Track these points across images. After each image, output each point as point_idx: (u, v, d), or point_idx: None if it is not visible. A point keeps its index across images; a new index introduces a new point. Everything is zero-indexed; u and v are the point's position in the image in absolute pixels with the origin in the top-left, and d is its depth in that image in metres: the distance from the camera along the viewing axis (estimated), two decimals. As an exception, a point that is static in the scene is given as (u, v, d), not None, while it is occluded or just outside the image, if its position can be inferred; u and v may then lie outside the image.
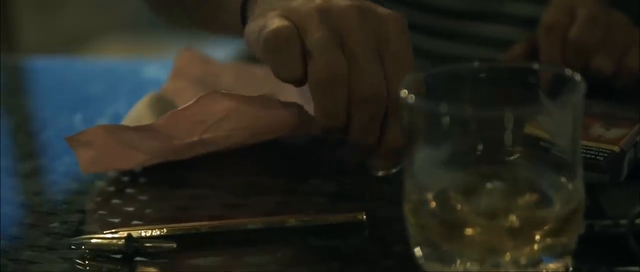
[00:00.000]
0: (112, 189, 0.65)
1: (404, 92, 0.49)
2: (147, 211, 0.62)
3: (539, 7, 0.81)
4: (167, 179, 0.65)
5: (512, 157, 0.50)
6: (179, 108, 0.62)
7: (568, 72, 0.50)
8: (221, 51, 0.98)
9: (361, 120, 0.57)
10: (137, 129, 0.63)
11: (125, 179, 0.66)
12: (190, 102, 0.61)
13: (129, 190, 0.65)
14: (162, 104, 0.68)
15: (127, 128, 0.63)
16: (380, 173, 0.61)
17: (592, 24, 0.74)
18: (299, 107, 0.63)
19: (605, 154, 0.61)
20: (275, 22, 0.56)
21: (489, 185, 0.51)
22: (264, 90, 0.65)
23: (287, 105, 0.63)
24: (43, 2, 2.54)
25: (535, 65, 0.52)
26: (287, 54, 0.56)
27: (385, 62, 0.57)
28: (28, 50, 2.41)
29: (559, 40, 0.74)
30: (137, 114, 0.67)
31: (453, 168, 0.50)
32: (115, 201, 0.64)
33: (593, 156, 0.61)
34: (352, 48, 0.56)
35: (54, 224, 0.61)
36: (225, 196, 0.63)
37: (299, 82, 0.57)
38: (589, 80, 0.50)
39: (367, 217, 0.58)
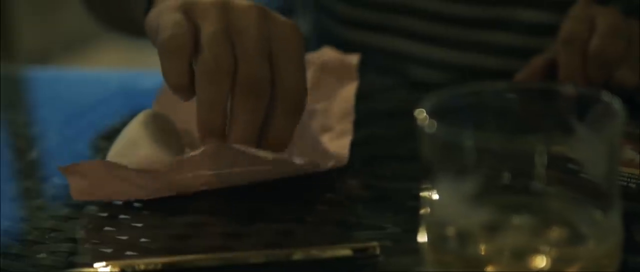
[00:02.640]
0: (104, 214, 0.61)
1: (422, 118, 0.44)
2: (142, 240, 0.57)
3: (549, 14, 0.79)
4: (164, 204, 0.61)
5: (541, 186, 0.45)
6: (184, 157, 0.59)
7: (605, 95, 0.45)
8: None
9: (243, 113, 0.58)
10: (138, 171, 0.59)
11: (119, 203, 0.61)
12: (196, 153, 0.58)
13: (122, 216, 0.60)
14: (158, 123, 0.64)
15: (125, 168, 0.59)
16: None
17: (614, 35, 0.70)
18: (313, 162, 0.61)
19: (638, 181, 0.56)
20: (170, 20, 0.58)
21: (515, 219, 0.46)
22: None
23: (293, 163, 0.60)
24: (41, 5, 2.51)
25: (566, 87, 0.47)
26: (177, 61, 0.58)
27: (277, 60, 0.58)
28: (26, 54, 2.38)
29: (579, 53, 0.70)
30: (132, 134, 0.63)
31: (476, 200, 0.46)
32: (107, 228, 0.59)
33: (624, 183, 0.56)
34: (244, 43, 0.58)
35: (42, 255, 0.56)
36: (227, 224, 0.59)
37: (186, 91, 0.58)
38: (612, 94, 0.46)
39: (380, 249, 0.54)
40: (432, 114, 0.45)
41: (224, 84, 0.57)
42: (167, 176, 0.59)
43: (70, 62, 2.51)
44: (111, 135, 0.70)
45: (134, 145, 0.62)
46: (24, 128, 0.80)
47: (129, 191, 0.60)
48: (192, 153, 0.58)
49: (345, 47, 0.76)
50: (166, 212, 0.60)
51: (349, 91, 0.70)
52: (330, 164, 0.62)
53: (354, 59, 0.73)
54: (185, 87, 0.59)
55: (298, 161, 0.59)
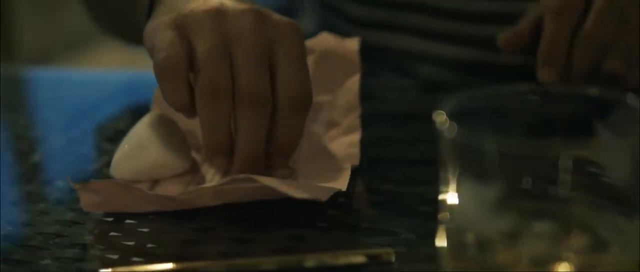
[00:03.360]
0: (110, 219, 0.59)
1: (441, 121, 0.43)
2: (149, 245, 0.56)
3: None
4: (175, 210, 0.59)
5: (563, 192, 0.44)
6: (204, 186, 0.58)
7: (629, 98, 0.44)
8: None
9: (247, 124, 0.57)
10: (156, 195, 0.58)
11: (125, 208, 0.60)
12: (215, 183, 0.57)
13: (128, 221, 0.59)
14: (164, 125, 0.62)
15: (142, 190, 0.58)
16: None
17: (610, 16, 0.64)
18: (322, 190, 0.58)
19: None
20: (164, 40, 0.57)
21: (537, 225, 0.45)
22: None
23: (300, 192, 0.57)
24: (42, 5, 2.50)
25: (590, 90, 0.46)
26: (175, 83, 0.57)
27: (278, 62, 0.57)
28: (27, 54, 2.36)
29: (567, 26, 0.64)
30: (140, 137, 0.61)
31: (497, 206, 0.44)
32: (113, 233, 0.57)
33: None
34: (241, 52, 0.56)
35: (46, 261, 0.55)
36: (236, 229, 0.57)
37: (188, 110, 0.58)
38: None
39: (395, 255, 0.52)
40: (451, 116, 0.43)
41: (224, 104, 0.56)
42: (186, 203, 0.58)
43: (71, 62, 2.50)
44: (115, 137, 0.69)
45: (142, 148, 0.60)
46: (25, 130, 0.78)
47: (141, 206, 0.59)
48: (211, 183, 0.58)
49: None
50: (173, 217, 0.59)
51: (353, 82, 0.68)
52: (332, 192, 0.58)
53: (354, 44, 0.71)
54: (185, 106, 0.58)
55: (304, 192, 0.57)
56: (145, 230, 0.58)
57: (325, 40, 0.71)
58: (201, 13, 0.58)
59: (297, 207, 0.58)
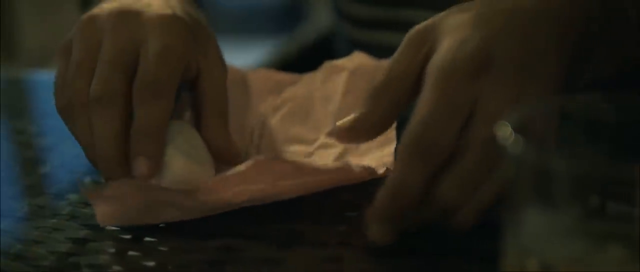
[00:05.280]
0: (128, 237, 0.55)
1: (506, 136, 0.39)
2: (170, 267, 0.51)
3: None
4: (193, 225, 0.55)
5: (638, 214, 0.39)
6: (229, 173, 0.53)
7: None
8: (243, 60, 0.88)
9: (95, 122, 0.56)
10: (176, 190, 0.54)
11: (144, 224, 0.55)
12: (243, 167, 0.52)
13: (148, 238, 0.54)
14: (185, 135, 0.58)
15: (163, 189, 0.54)
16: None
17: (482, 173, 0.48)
18: (369, 169, 0.55)
19: None
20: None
21: (609, 251, 0.40)
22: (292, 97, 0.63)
23: (350, 170, 0.54)
24: (43, 5, 2.47)
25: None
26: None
27: (140, 60, 0.57)
28: (28, 55, 2.33)
29: (419, 166, 0.48)
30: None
31: (565, 229, 0.40)
32: (132, 253, 0.53)
33: None
34: (99, 57, 0.57)
35: (59, 284, 0.50)
36: (264, 249, 0.52)
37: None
38: None
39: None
40: (517, 130, 0.39)
41: (79, 118, 0.57)
42: (212, 193, 0.53)
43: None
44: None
45: (163, 166, 0.56)
46: (32, 138, 0.74)
47: (161, 212, 0.54)
48: (239, 168, 0.52)
49: (362, 49, 0.71)
50: (196, 235, 0.54)
51: None
52: (382, 170, 0.56)
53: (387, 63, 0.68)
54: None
55: (355, 168, 0.53)
56: (165, 249, 0.53)
57: (357, 57, 0.69)
58: (75, 27, 0.60)
59: (329, 224, 0.54)
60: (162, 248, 0.53)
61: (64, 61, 0.59)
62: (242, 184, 0.53)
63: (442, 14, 0.53)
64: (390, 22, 0.85)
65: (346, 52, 0.92)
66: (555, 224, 0.39)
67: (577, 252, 0.40)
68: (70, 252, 0.53)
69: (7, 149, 0.72)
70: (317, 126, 0.65)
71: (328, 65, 0.68)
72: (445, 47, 0.49)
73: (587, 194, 0.39)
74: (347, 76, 0.67)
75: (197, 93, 0.60)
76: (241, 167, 0.52)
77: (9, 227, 0.57)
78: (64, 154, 0.69)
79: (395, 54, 0.53)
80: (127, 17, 0.59)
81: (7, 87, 0.89)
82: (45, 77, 0.95)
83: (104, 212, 0.54)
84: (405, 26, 0.56)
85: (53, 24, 2.48)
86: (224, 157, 0.59)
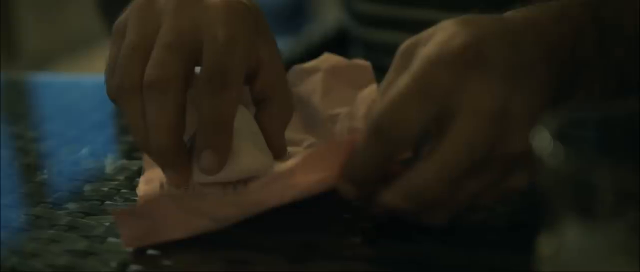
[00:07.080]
0: (129, 250, 0.51)
1: (543, 144, 0.35)
2: (176, 282, 0.48)
3: None
4: (201, 237, 0.51)
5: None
6: (310, 152, 0.50)
7: None
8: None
9: (150, 114, 0.53)
10: (220, 195, 0.51)
11: (146, 235, 0.52)
12: (291, 164, 0.50)
13: (150, 252, 0.51)
14: (248, 123, 0.56)
15: (203, 196, 0.51)
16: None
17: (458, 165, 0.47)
18: None
19: None
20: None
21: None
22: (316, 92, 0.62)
23: None
24: (45, 7, 2.45)
25: None
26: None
27: (204, 47, 0.53)
28: (30, 57, 2.32)
29: (383, 150, 0.49)
30: None
31: (606, 246, 0.37)
32: (134, 267, 0.50)
33: None
34: (157, 41, 0.54)
35: (56, 301, 0.47)
36: (277, 262, 0.49)
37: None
38: None
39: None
40: (555, 138, 0.35)
41: (132, 101, 0.54)
42: (259, 195, 0.50)
43: (74, 64, 2.44)
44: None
45: (233, 155, 0.53)
46: (30, 143, 0.71)
47: (193, 224, 0.51)
48: (292, 161, 0.50)
49: (370, 48, 0.69)
50: (204, 247, 0.51)
51: (370, 91, 0.63)
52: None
53: (364, 62, 0.66)
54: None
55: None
56: (170, 263, 0.50)
57: (329, 59, 0.67)
58: (130, 7, 0.56)
59: (345, 236, 0.50)
60: (165, 262, 0.50)
61: (117, 43, 0.56)
62: (319, 171, 0.50)
63: (430, 28, 0.52)
64: (402, 21, 0.83)
65: (359, 53, 0.89)
66: (595, 239, 0.36)
67: (617, 268, 0.37)
68: (67, 265, 0.50)
69: (5, 155, 0.68)
70: (302, 127, 0.63)
71: (297, 68, 0.65)
72: (434, 41, 0.50)
73: (629, 208, 0.36)
74: (323, 76, 0.65)
75: (257, 83, 0.56)
76: (290, 164, 0.50)
77: (4, 238, 0.54)
78: (63, 161, 0.66)
79: (387, 74, 0.52)
80: (190, 1, 0.55)
81: (7, 90, 0.86)
82: (45, 80, 0.92)
83: (130, 235, 0.51)
84: (418, 26, 0.54)
85: (53, 27, 2.46)
86: (276, 151, 0.56)
